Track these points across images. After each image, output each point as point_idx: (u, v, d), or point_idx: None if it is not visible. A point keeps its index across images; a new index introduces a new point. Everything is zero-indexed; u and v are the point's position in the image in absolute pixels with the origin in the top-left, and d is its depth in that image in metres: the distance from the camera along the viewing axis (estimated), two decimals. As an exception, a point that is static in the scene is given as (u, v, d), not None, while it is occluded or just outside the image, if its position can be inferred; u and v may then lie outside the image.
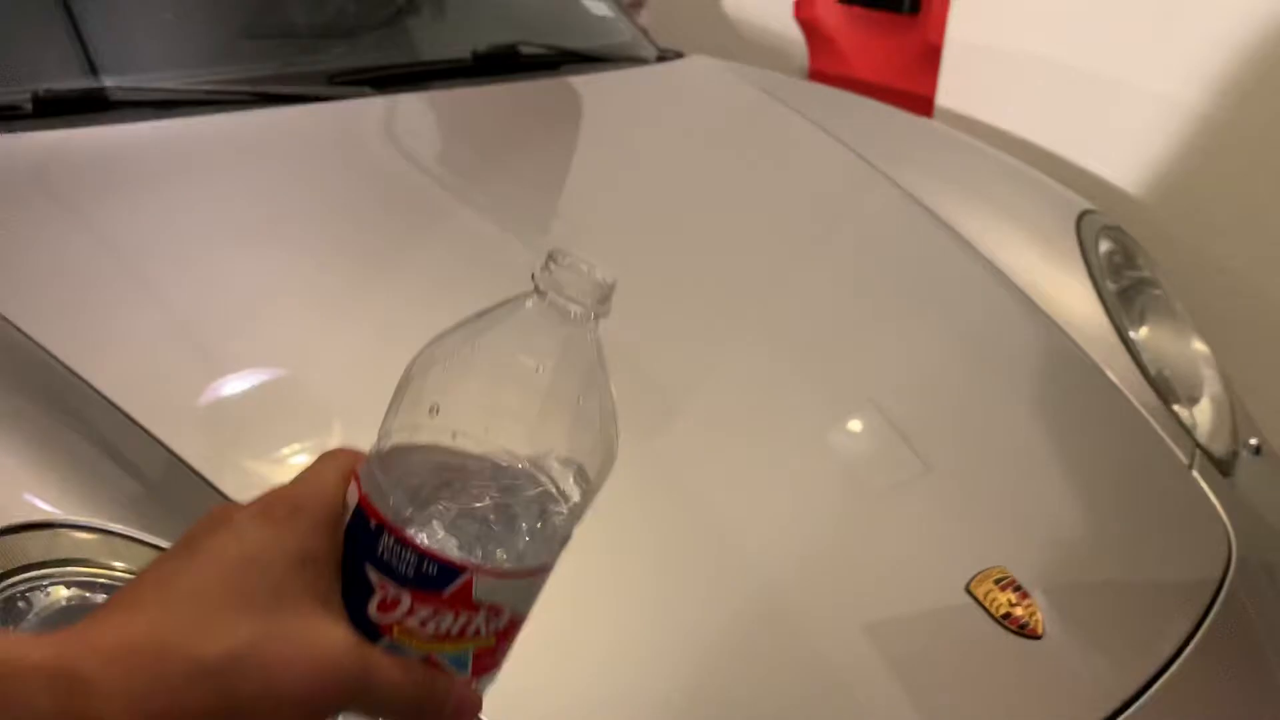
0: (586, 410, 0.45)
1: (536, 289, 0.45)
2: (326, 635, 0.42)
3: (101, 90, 1.55)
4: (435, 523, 0.43)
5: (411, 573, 0.42)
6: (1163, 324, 1.65)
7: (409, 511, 0.43)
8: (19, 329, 1.07)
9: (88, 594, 0.82)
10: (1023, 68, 2.38)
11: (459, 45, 1.93)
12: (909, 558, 1.07)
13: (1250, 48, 2.07)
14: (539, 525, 0.45)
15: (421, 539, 0.42)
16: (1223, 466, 1.41)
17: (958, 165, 1.89)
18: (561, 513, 0.45)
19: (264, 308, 1.20)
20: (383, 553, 0.43)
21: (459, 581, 0.42)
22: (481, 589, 0.43)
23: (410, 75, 1.80)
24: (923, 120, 2.08)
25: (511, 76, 1.89)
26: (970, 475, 1.20)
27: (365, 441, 0.46)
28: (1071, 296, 1.56)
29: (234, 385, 1.11)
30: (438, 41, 2.05)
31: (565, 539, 0.46)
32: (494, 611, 0.44)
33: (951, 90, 2.52)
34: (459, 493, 0.44)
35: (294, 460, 1.02)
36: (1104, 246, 1.67)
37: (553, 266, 0.45)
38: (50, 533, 0.87)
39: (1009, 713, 0.97)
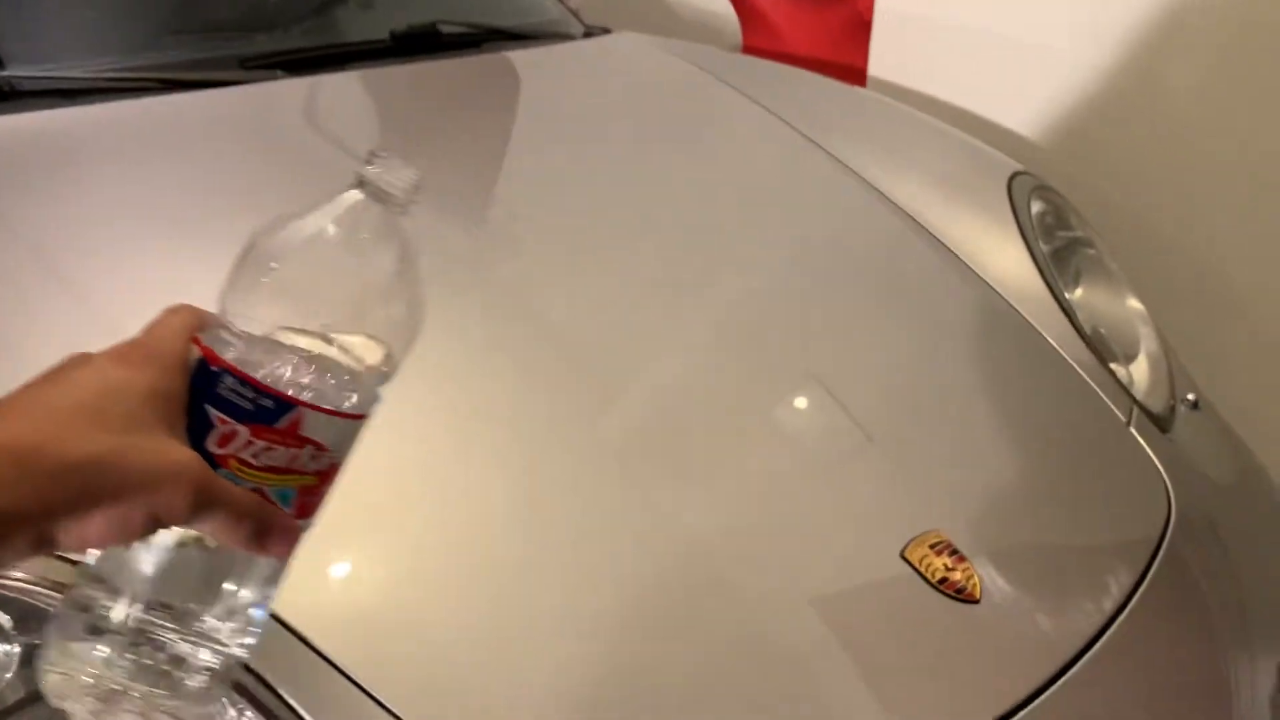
0: (396, 289, 0.54)
1: (359, 182, 0.53)
2: (178, 449, 0.48)
3: (7, 80, 1.49)
4: (267, 371, 0.50)
5: (250, 406, 0.49)
6: (1097, 283, 1.64)
7: (248, 360, 0.50)
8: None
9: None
10: (952, 35, 2.37)
11: (378, 27, 1.88)
12: (843, 525, 1.04)
13: (1176, 9, 2.07)
14: (351, 383, 0.52)
15: (260, 376, 0.50)
16: (1160, 422, 1.40)
17: (889, 132, 1.87)
18: (373, 373, 0.53)
19: (179, 297, 1.14)
20: (223, 391, 0.50)
21: (290, 415, 0.50)
22: (309, 424, 0.50)
23: (326, 58, 1.74)
24: (854, 89, 2.06)
25: (433, 56, 1.84)
26: (905, 440, 1.17)
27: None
28: (1005, 258, 1.54)
29: None
30: (358, 25, 1.99)
31: (375, 398, 0.54)
32: (318, 449, 0.51)
33: (883, 60, 2.50)
34: (287, 352, 0.51)
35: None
36: (1036, 207, 1.65)
37: (374, 161, 0.53)
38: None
39: (948, 678, 0.94)
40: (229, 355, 0.50)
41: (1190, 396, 1.51)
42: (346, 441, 0.53)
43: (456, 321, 1.16)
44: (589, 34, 2.13)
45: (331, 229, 0.53)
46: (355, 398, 0.52)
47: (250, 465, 0.50)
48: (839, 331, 1.32)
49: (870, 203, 1.62)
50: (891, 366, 1.30)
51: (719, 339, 1.27)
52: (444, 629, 0.87)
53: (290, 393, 0.50)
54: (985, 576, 1.01)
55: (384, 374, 0.54)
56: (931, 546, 1.02)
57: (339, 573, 0.89)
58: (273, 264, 0.52)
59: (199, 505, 0.46)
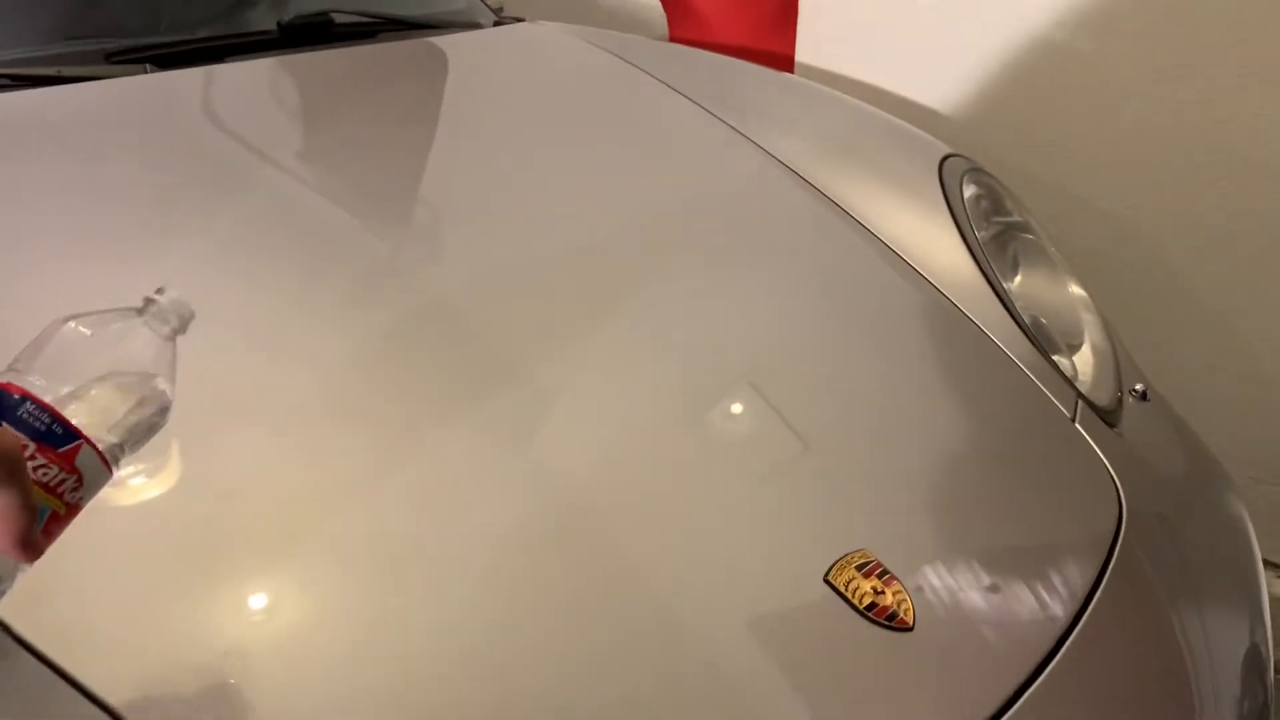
0: (148, 397, 0.65)
1: (142, 307, 0.67)
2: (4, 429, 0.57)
3: None
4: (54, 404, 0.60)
5: (43, 429, 0.58)
6: (1037, 270, 1.55)
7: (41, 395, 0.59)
8: None
9: None
10: (878, 16, 2.28)
11: (268, 19, 1.74)
12: (762, 547, 0.93)
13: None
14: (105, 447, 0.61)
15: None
16: (1107, 416, 1.31)
17: (816, 118, 1.76)
18: (114, 451, 0.62)
19: (50, 288, 1.00)
20: (23, 414, 0.58)
21: (72, 444, 0.59)
22: (82, 457, 0.59)
23: (202, 51, 1.60)
24: (778, 74, 1.95)
25: (326, 46, 1.70)
26: (830, 449, 1.06)
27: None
28: (937, 246, 1.44)
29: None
30: (249, 17, 1.85)
31: (117, 466, 0.63)
32: (79, 482, 0.60)
33: (809, 46, 2.40)
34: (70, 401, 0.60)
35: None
36: (969, 191, 1.55)
37: (158, 296, 0.67)
38: None
39: (885, 715, 0.83)
40: (30, 389, 0.59)
41: (1138, 387, 1.41)
42: (95, 488, 0.61)
43: (335, 305, 1.04)
44: (499, 23, 2.01)
45: (109, 333, 0.65)
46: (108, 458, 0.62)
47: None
48: (761, 328, 1.21)
49: (797, 193, 1.51)
50: (816, 367, 1.19)
51: (636, 333, 1.15)
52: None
53: (77, 424, 0.59)
54: (920, 598, 0.91)
55: (115, 457, 0.62)
56: (858, 568, 0.91)
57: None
58: (63, 359, 0.62)
59: (4, 476, 0.54)
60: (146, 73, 1.50)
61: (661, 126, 1.67)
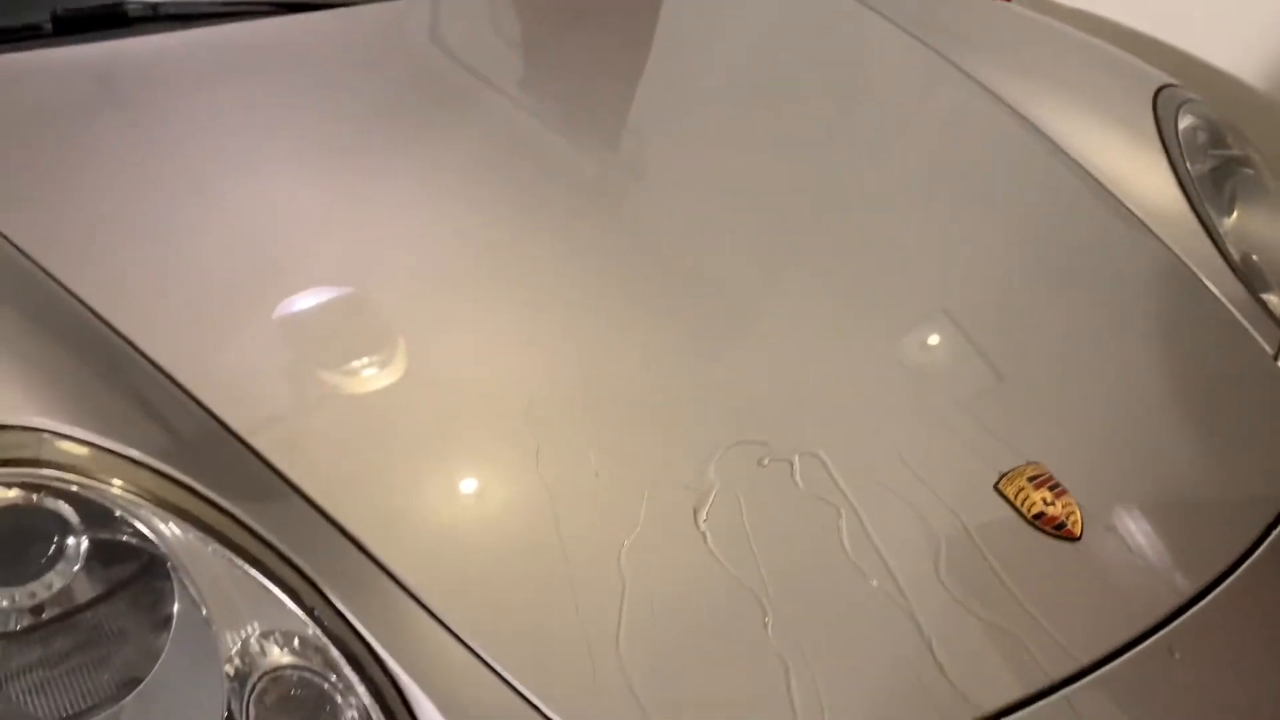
0: None
1: None
2: None
3: (119, 5, 1.53)
4: None
5: None
6: (1255, 206, 1.49)
7: None
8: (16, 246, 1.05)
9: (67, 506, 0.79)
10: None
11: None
12: (937, 452, 0.98)
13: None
14: None
15: None
16: (1317, 358, 1.27)
17: (1027, 46, 1.73)
18: None
19: (275, 224, 1.15)
20: None
21: None
22: None
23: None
24: (991, 2, 1.92)
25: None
26: (1016, 370, 1.09)
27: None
28: (1145, 177, 1.42)
29: (241, 309, 1.07)
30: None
31: None
32: None
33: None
34: None
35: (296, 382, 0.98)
36: (1185, 122, 1.51)
37: None
38: (37, 437, 0.84)
39: (1041, 618, 0.87)
40: None
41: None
42: None
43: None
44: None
45: None
46: None
47: None
48: (962, 254, 1.24)
49: (1003, 121, 1.51)
50: (1011, 293, 1.22)
51: (831, 257, 1.21)
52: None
53: None
54: (1090, 513, 0.94)
55: None
56: (1030, 480, 0.94)
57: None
58: None
59: None
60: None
61: (865, 52, 1.69)
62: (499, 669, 0.77)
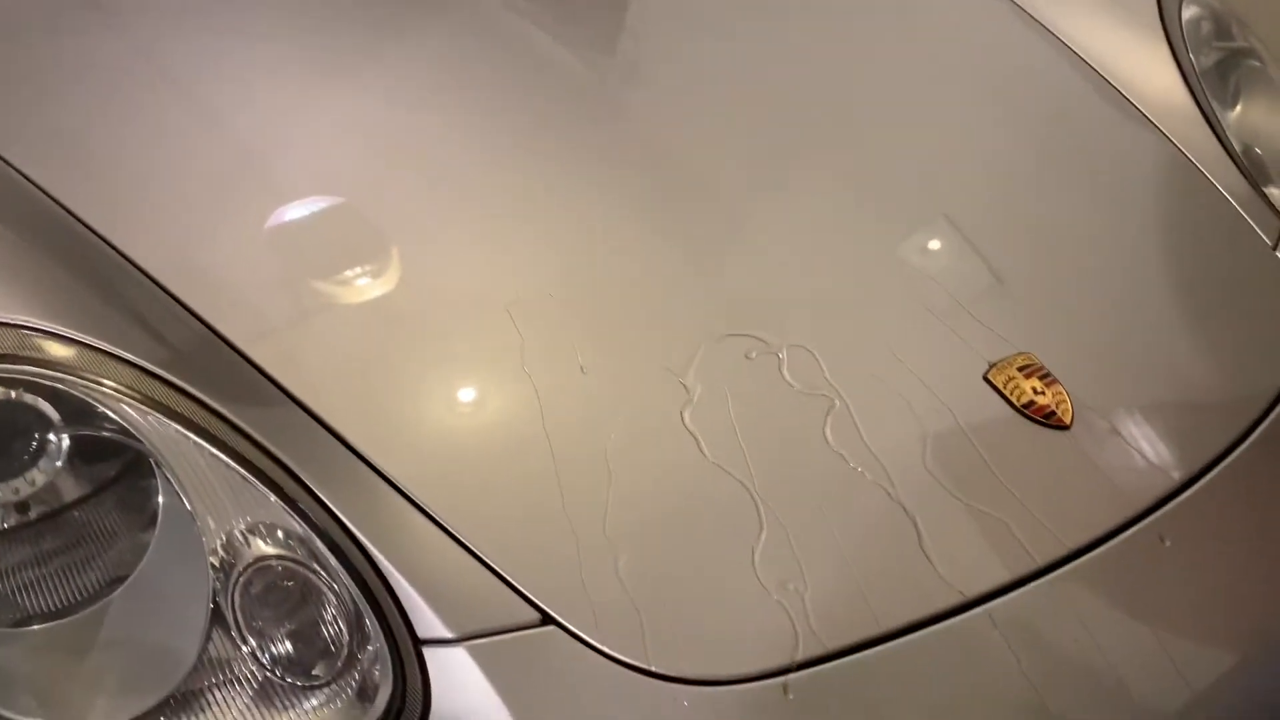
0: None
1: None
2: None
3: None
4: None
5: None
6: (1259, 98, 1.46)
7: None
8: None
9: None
10: None
11: None
12: (927, 342, 0.97)
13: None
14: None
15: None
16: (1319, 250, 1.25)
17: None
18: None
19: (264, 129, 1.12)
20: None
21: None
22: None
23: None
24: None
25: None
26: (1009, 261, 1.08)
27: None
28: (1147, 69, 1.38)
29: (232, 218, 1.05)
30: None
31: None
32: None
33: None
34: None
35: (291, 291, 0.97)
36: (1189, 13, 1.47)
37: None
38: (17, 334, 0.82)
39: (1029, 504, 0.87)
40: None
41: (1359, 222, 1.34)
42: None
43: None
44: None
45: None
46: None
47: None
48: (959, 149, 1.22)
49: (1004, 15, 1.47)
50: (1002, 183, 1.20)
51: (833, 154, 1.20)
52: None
53: None
54: (1080, 402, 0.93)
55: None
56: (1020, 369, 0.94)
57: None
58: None
59: None
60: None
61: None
62: (484, 556, 0.77)
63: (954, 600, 0.80)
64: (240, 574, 0.75)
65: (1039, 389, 0.92)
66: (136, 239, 0.95)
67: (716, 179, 1.13)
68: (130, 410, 0.78)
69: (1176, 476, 0.91)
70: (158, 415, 0.78)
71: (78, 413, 0.79)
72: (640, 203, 1.08)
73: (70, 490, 0.82)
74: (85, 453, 0.81)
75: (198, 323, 0.88)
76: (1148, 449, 0.93)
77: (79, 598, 0.78)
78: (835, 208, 1.12)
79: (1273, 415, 0.99)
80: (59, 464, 0.78)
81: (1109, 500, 0.88)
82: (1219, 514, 0.93)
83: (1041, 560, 0.84)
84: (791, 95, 1.28)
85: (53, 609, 0.78)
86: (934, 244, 1.10)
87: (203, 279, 0.93)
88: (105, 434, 0.80)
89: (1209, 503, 0.92)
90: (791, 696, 0.75)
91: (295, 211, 1.03)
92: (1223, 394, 1.01)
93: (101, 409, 0.79)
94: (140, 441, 0.78)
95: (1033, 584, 0.83)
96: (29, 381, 0.79)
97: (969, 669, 0.79)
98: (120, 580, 0.78)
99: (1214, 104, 1.38)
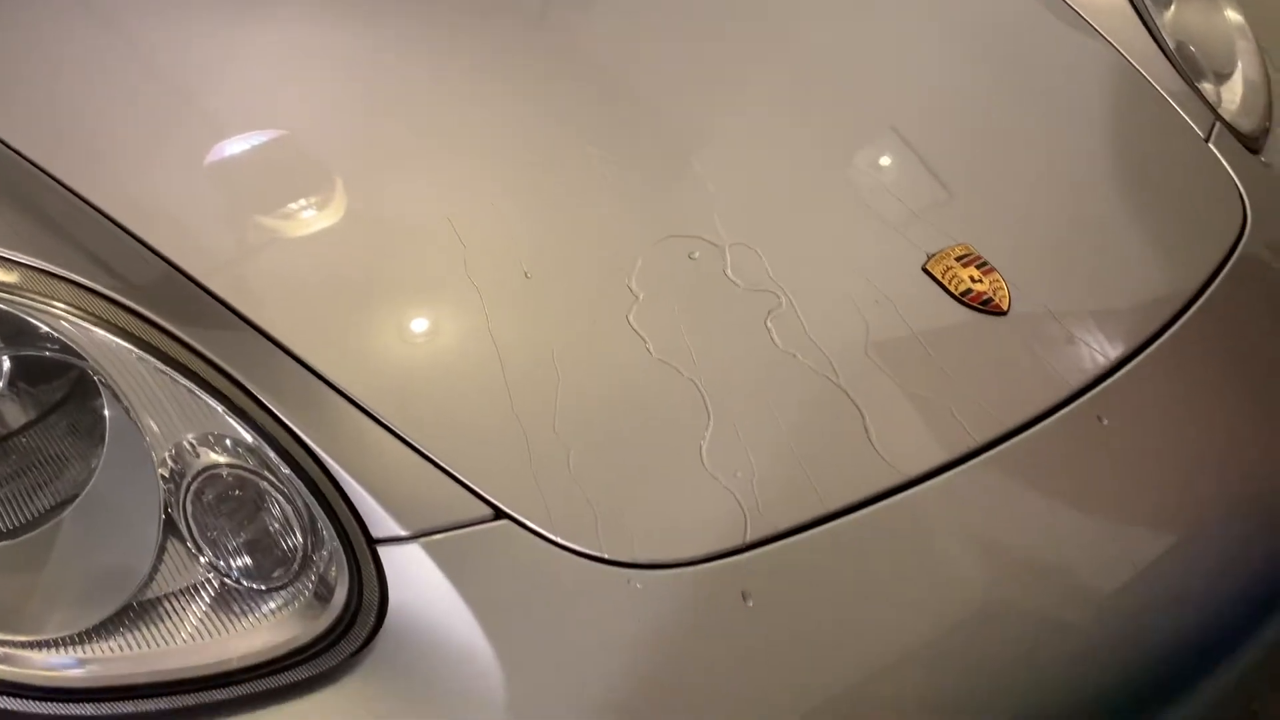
0: None
1: None
2: None
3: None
4: None
5: None
6: (1195, -1, 1.48)
7: None
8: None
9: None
10: None
11: None
12: (866, 238, 0.98)
13: None
14: None
15: None
16: (1250, 142, 1.27)
17: None
18: None
19: (208, 61, 1.10)
20: None
21: None
22: None
23: None
24: None
25: None
26: (944, 156, 1.09)
27: None
28: (1080, -32, 1.39)
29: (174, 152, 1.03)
30: None
31: None
32: None
33: None
34: None
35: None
36: (1123, -88, 1.47)
37: None
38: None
39: (966, 387, 0.89)
40: None
41: (1294, 118, 1.36)
42: None
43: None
44: None
45: None
46: None
47: None
48: (897, 51, 1.23)
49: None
50: (947, 85, 1.21)
51: (768, 65, 1.20)
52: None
53: None
54: (1017, 288, 0.95)
55: None
56: (958, 259, 0.95)
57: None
58: None
59: None
60: None
61: None
62: (435, 457, 0.78)
63: (896, 479, 0.82)
64: (190, 483, 0.75)
65: (976, 277, 0.94)
66: (80, 173, 0.94)
67: (661, 91, 1.13)
68: (70, 327, 0.78)
69: (1112, 356, 0.94)
70: (100, 330, 0.78)
71: (17, 333, 0.79)
72: (585, 114, 1.08)
73: (15, 415, 0.82)
74: (30, 375, 0.81)
75: (147, 251, 0.88)
76: (1084, 332, 0.95)
77: (31, 517, 0.79)
78: (779, 115, 1.13)
79: (1204, 296, 1.02)
80: (0, 384, 0.78)
81: (1047, 381, 0.91)
82: (1155, 392, 0.95)
83: (981, 440, 0.86)
84: (736, 6, 1.28)
85: (5, 529, 0.78)
86: (874, 145, 1.11)
87: (153, 212, 0.92)
88: (47, 354, 0.80)
89: (1145, 382, 0.94)
90: (751, 604, 0.77)
91: (238, 145, 1.02)
92: (1157, 277, 1.03)
93: (44, 329, 0.79)
94: (83, 359, 0.78)
95: (973, 461, 0.85)
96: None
97: (912, 545, 0.81)
98: (73, 499, 0.78)
99: (1148, 3, 1.40)
